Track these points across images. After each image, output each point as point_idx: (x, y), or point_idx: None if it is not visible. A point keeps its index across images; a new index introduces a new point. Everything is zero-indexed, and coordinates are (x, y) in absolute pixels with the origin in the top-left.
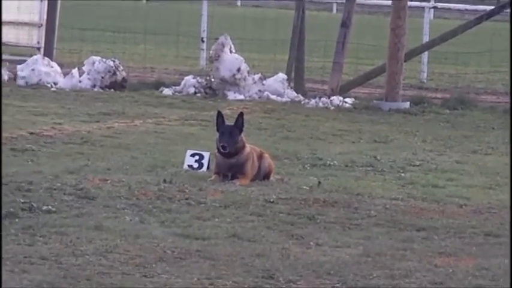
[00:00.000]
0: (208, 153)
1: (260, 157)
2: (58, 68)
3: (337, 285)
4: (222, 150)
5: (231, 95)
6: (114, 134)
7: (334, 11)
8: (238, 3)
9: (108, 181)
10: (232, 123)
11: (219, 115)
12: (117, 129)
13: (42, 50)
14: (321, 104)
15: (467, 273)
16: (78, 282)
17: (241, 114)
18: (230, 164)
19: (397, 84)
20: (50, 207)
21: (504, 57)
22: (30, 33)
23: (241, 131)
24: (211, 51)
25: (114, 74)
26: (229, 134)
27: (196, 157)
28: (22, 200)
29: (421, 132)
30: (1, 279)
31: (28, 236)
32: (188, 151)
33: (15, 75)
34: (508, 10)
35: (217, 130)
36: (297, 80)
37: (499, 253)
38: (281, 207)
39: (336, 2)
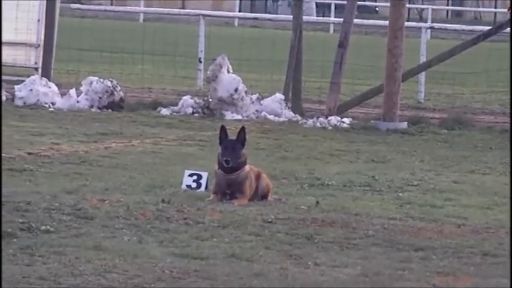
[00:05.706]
0: (207, 173)
1: (258, 177)
2: (56, 89)
3: None
4: (225, 164)
5: (229, 115)
6: (112, 154)
7: (332, 31)
8: (236, 23)
9: (106, 201)
10: (235, 138)
11: (223, 129)
12: (115, 150)
13: (39, 71)
14: (318, 124)
15: None
16: None
17: (243, 129)
18: (230, 181)
19: (395, 104)
20: (48, 227)
21: (501, 77)
22: (28, 53)
23: (243, 145)
24: (208, 72)
25: (112, 94)
26: (232, 148)
27: (195, 177)
28: (20, 220)
29: (418, 152)
30: None
31: (26, 256)
32: (186, 171)
33: (13, 95)
34: (505, 30)
35: (220, 144)
36: (294, 100)
37: (497, 273)
38: (279, 227)
39: (333, 23)
